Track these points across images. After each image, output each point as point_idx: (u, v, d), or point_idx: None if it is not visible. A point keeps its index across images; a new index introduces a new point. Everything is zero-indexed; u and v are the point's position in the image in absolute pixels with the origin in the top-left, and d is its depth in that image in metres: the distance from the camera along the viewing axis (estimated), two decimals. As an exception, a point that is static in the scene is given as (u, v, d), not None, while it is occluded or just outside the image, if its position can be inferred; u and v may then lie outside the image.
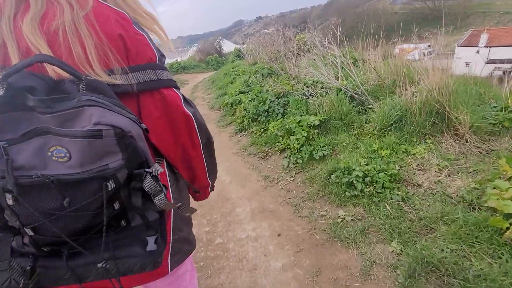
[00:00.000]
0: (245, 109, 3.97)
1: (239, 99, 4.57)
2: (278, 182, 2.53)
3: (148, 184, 0.45)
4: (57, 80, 0.46)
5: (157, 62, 0.57)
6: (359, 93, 3.04)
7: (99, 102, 0.42)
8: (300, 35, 7.44)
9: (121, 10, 0.54)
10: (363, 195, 1.93)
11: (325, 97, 2.97)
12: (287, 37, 7.26)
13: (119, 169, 0.43)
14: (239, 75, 7.10)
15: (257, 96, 3.87)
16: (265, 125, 3.51)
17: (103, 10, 0.51)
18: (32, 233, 0.42)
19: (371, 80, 3.24)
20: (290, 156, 2.73)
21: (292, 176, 2.53)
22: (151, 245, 0.50)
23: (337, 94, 3.00)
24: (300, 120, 2.89)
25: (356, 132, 2.64)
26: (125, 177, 0.45)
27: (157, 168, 0.48)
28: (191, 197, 0.82)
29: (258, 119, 3.61)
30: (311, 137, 2.73)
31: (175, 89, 0.60)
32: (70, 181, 0.40)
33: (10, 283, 0.43)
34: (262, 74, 5.20)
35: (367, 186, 1.94)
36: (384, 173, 1.97)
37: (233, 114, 4.52)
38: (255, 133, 3.55)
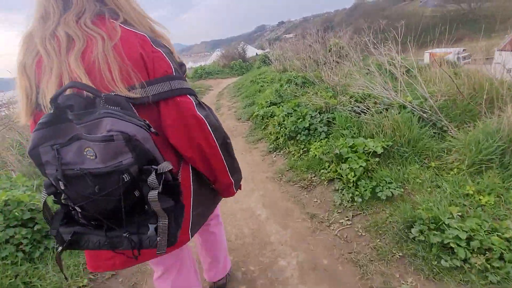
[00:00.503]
0: (279, 124, 3.49)
1: (271, 111, 4.10)
2: (329, 225, 2.00)
3: (151, 179, 0.58)
4: (92, 97, 0.61)
5: (173, 74, 0.69)
6: (429, 111, 2.44)
7: (113, 113, 0.57)
8: (335, 40, 6.86)
9: (141, 33, 0.69)
10: (470, 269, 1.35)
11: (387, 116, 2.41)
12: (323, 41, 6.72)
13: (131, 165, 0.57)
14: (267, 82, 6.66)
15: (295, 110, 3.38)
16: (305, 146, 3.00)
17: (128, 37, 0.67)
18: (80, 210, 0.60)
19: (438, 95, 2.62)
20: (343, 190, 2.20)
21: (348, 219, 1.99)
22: (151, 231, 0.63)
23: (400, 112, 2.42)
24: (353, 144, 2.35)
25: (433, 164, 2.04)
26: (137, 171, 0.58)
27: (165, 165, 0.60)
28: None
29: (297, 138, 3.11)
30: (370, 167, 2.18)
31: (189, 96, 0.72)
32: (98, 174, 0.56)
33: (61, 242, 0.63)
34: (296, 83, 4.71)
35: (474, 255, 1.36)
36: (498, 236, 1.39)
37: (264, 128, 4.06)
38: (293, 154, 3.05)
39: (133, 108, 0.64)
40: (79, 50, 0.63)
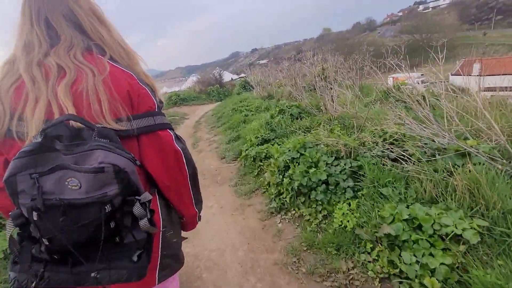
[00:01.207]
0: (279, 171, 2.61)
1: (265, 151, 3.23)
2: None
3: (136, 209, 0.60)
4: (78, 128, 0.61)
5: (155, 110, 0.73)
6: (503, 160, 1.72)
7: (105, 146, 0.58)
8: (322, 65, 6.40)
9: (129, 71, 0.72)
10: None
11: (459, 171, 1.63)
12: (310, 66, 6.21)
13: (115, 196, 0.57)
14: (252, 111, 5.88)
15: (302, 154, 2.53)
16: (324, 207, 2.13)
17: (116, 73, 0.68)
18: (47, 243, 0.56)
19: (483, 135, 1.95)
20: (416, 304, 1.31)
21: None
22: (135, 258, 0.62)
23: (474, 165, 1.67)
24: (410, 215, 1.52)
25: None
26: (120, 202, 0.59)
27: (147, 196, 0.62)
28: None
29: (310, 195, 2.23)
30: (457, 264, 1.33)
31: (169, 130, 0.76)
32: (78, 204, 0.55)
33: (27, 283, 0.57)
34: (291, 114, 3.94)
35: None
36: None
37: (258, 174, 3.15)
38: (308, 220, 2.15)
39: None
40: (69, 81, 0.64)
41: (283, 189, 2.50)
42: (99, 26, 0.73)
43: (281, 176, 2.59)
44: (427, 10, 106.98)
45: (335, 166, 2.27)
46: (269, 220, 2.36)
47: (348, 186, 2.11)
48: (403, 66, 3.44)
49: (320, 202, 2.16)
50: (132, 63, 0.77)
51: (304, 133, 3.53)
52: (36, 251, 0.58)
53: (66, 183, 0.55)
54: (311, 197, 2.21)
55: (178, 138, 0.79)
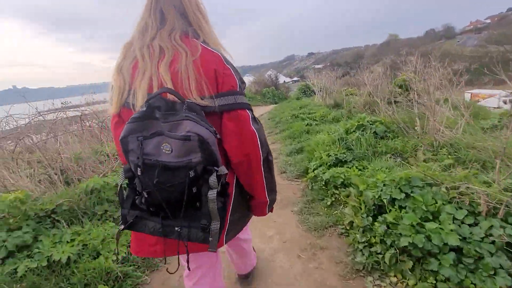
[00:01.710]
0: (368, 211, 1.95)
1: (342, 176, 2.58)
2: None
3: (212, 179, 0.69)
4: (173, 101, 0.74)
5: (237, 89, 0.80)
6: None
7: (192, 118, 0.69)
8: (404, 75, 5.37)
9: (217, 51, 0.82)
10: None
11: None
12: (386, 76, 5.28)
13: (198, 163, 0.68)
14: (316, 120, 5.23)
15: (408, 194, 1.82)
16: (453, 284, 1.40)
17: (206, 54, 0.79)
18: (146, 196, 0.70)
19: None
20: None
21: None
22: (215, 226, 0.71)
23: None
24: None
25: None
26: (202, 170, 0.69)
27: (223, 169, 0.71)
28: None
29: (426, 263, 1.52)
30: None
31: (247, 110, 0.82)
32: (169, 167, 0.67)
33: (129, 220, 0.76)
34: (375, 132, 3.19)
35: None
36: None
37: (331, 204, 2.53)
38: (423, 301, 1.45)
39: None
40: (167, 60, 0.77)
41: (375, 238, 1.83)
42: (200, 16, 0.88)
43: (370, 219, 1.92)
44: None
45: (471, 226, 1.52)
46: (355, 281, 1.72)
47: (501, 266, 1.35)
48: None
49: (444, 279, 1.44)
50: (218, 48, 0.87)
51: (394, 158, 2.77)
52: (138, 201, 0.74)
53: (162, 147, 0.68)
54: (428, 267, 1.51)
55: (255, 119, 0.85)
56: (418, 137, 3.01)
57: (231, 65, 0.82)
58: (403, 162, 2.63)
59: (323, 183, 2.72)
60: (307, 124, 5.13)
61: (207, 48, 0.81)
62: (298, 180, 3.26)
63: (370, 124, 3.33)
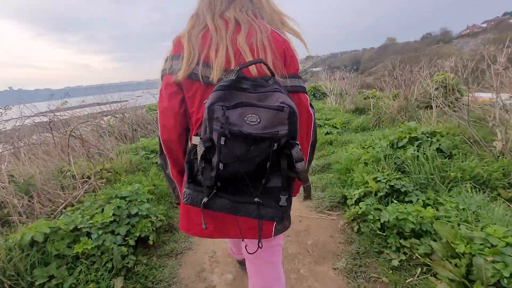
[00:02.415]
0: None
1: (411, 217, 1.73)
2: None
3: (296, 151, 0.66)
4: (253, 76, 0.75)
5: (298, 73, 0.83)
6: None
7: (282, 91, 0.68)
8: (444, 74, 4.56)
9: (283, 35, 0.83)
10: None
11: None
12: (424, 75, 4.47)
13: (284, 136, 0.65)
14: (337, 128, 4.38)
15: None
16: None
17: (275, 35, 0.80)
18: (222, 168, 0.65)
19: None
20: None
21: None
22: (283, 202, 0.71)
23: None
24: None
25: None
26: (284, 143, 0.66)
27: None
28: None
29: None
30: None
31: (306, 94, 0.84)
32: (256, 137, 0.64)
33: (198, 200, 0.73)
34: (440, 149, 2.34)
35: None
36: None
37: (401, 264, 1.66)
38: None
39: None
40: (244, 32, 0.77)
41: None
42: None
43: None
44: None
45: None
46: None
47: None
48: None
49: None
50: (282, 31, 0.86)
51: (479, 189, 1.92)
52: (206, 175, 0.68)
53: (246, 118, 0.65)
54: None
55: (311, 104, 0.86)
56: (500, 157, 2.17)
57: (294, 50, 0.85)
58: (496, 197, 1.78)
59: (378, 227, 1.86)
60: (327, 133, 4.28)
61: (274, 30, 0.83)
62: (332, 212, 2.40)
63: (428, 137, 2.49)
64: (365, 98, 5.65)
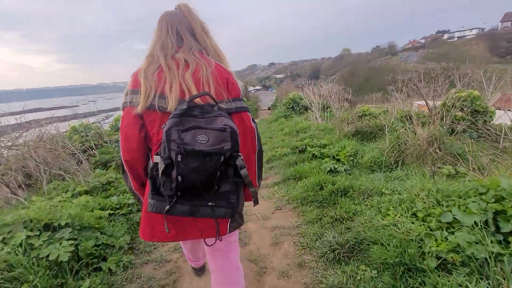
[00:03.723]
0: None
1: None
2: None
3: (239, 161, 0.87)
4: (202, 104, 0.93)
5: (240, 96, 1.03)
6: None
7: (224, 114, 0.89)
8: (462, 91, 3.72)
9: (225, 67, 1.05)
10: None
11: None
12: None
13: (228, 150, 0.84)
14: (342, 163, 3.20)
15: None
16: None
17: (219, 67, 1.01)
18: (180, 180, 0.82)
19: None
20: None
21: None
22: (232, 202, 0.89)
23: None
24: None
25: None
26: (229, 156, 0.85)
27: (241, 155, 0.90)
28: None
29: None
30: None
31: (248, 112, 1.03)
32: (206, 153, 0.81)
33: (161, 208, 0.88)
34: None
35: None
36: None
37: None
38: None
39: None
40: (192, 70, 0.96)
41: None
42: (205, 36, 1.08)
43: None
44: (452, 40, 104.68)
45: None
46: None
47: None
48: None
49: None
50: (224, 64, 1.08)
51: None
52: (167, 187, 0.85)
53: (197, 138, 0.82)
54: None
55: (253, 119, 1.05)
56: None
57: (235, 77, 1.06)
58: None
59: None
60: (332, 171, 3.08)
61: (218, 63, 1.03)
62: None
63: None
64: (360, 116, 4.67)
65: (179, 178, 0.82)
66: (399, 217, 1.93)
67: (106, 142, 4.25)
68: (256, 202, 1.02)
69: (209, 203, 0.87)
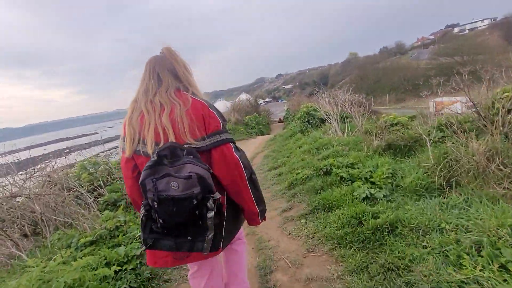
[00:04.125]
0: None
1: None
2: None
3: (209, 203, 0.95)
4: (174, 148, 1.00)
5: (221, 128, 1.08)
6: None
7: (191, 161, 0.96)
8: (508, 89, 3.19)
9: (202, 100, 1.11)
10: None
11: None
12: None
13: (198, 193, 0.93)
14: (379, 187, 2.73)
15: None
16: None
17: (195, 103, 1.08)
18: (162, 222, 0.96)
19: None
20: None
21: None
22: (209, 237, 0.98)
23: None
24: None
25: None
26: (201, 198, 0.94)
27: (217, 194, 0.98)
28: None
29: None
30: None
31: (230, 143, 1.08)
32: (178, 198, 0.92)
33: (148, 242, 1.00)
34: None
35: None
36: None
37: None
38: None
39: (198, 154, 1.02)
40: (167, 112, 1.04)
41: None
42: (187, 74, 1.19)
43: None
44: (463, 33, 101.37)
45: None
46: None
47: None
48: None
49: None
50: (201, 96, 1.16)
51: None
52: (155, 227, 0.99)
53: (170, 185, 0.92)
54: None
55: (237, 148, 1.10)
56: None
57: (214, 109, 1.10)
58: None
59: None
60: (367, 199, 2.62)
61: (195, 98, 1.10)
62: None
63: None
64: (389, 125, 4.18)
65: (160, 220, 0.96)
66: (481, 269, 1.45)
67: (114, 180, 4.02)
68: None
69: (188, 237, 0.98)
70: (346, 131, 5.06)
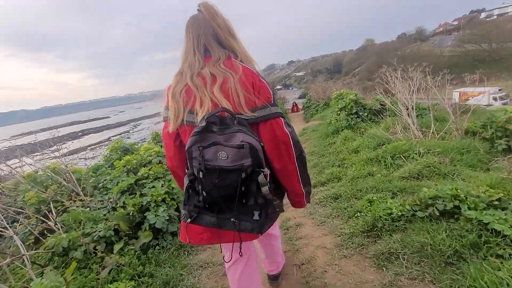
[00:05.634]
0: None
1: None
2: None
3: (261, 178, 0.86)
4: (224, 117, 0.92)
5: (271, 101, 0.98)
6: None
7: (243, 130, 0.87)
8: None
9: (252, 68, 1.01)
10: None
11: None
12: None
13: (248, 166, 0.85)
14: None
15: None
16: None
17: (246, 71, 0.98)
18: (205, 194, 0.88)
19: None
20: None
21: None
22: (256, 217, 0.90)
23: None
24: None
25: None
26: (251, 172, 0.86)
27: (267, 170, 0.90)
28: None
29: None
30: None
31: (280, 118, 0.98)
32: (226, 169, 0.85)
33: (190, 216, 0.93)
34: None
35: None
36: None
37: None
38: None
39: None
40: (219, 83, 0.95)
41: None
42: (231, 39, 1.07)
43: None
44: (491, 18, 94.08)
45: None
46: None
47: None
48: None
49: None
50: (252, 65, 1.06)
51: None
52: (196, 200, 0.92)
53: (218, 154, 0.85)
54: None
55: (287, 124, 1.01)
56: None
57: (264, 79, 1.00)
58: None
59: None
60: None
61: (245, 65, 1.01)
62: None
63: None
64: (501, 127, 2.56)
65: (204, 193, 0.89)
66: None
67: (82, 200, 2.54)
68: (281, 210, 1.08)
69: (232, 219, 0.90)
70: (431, 130, 3.40)
